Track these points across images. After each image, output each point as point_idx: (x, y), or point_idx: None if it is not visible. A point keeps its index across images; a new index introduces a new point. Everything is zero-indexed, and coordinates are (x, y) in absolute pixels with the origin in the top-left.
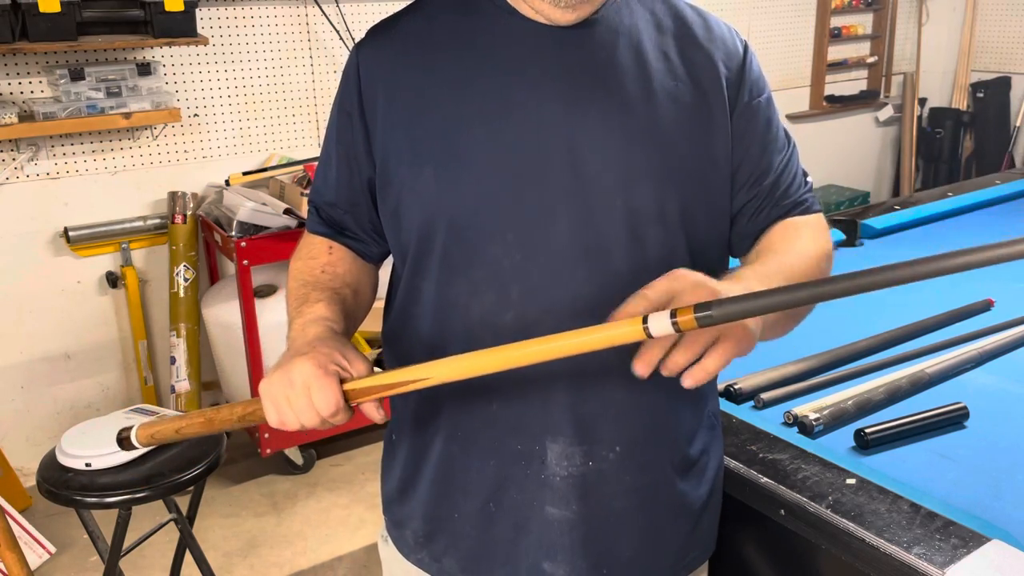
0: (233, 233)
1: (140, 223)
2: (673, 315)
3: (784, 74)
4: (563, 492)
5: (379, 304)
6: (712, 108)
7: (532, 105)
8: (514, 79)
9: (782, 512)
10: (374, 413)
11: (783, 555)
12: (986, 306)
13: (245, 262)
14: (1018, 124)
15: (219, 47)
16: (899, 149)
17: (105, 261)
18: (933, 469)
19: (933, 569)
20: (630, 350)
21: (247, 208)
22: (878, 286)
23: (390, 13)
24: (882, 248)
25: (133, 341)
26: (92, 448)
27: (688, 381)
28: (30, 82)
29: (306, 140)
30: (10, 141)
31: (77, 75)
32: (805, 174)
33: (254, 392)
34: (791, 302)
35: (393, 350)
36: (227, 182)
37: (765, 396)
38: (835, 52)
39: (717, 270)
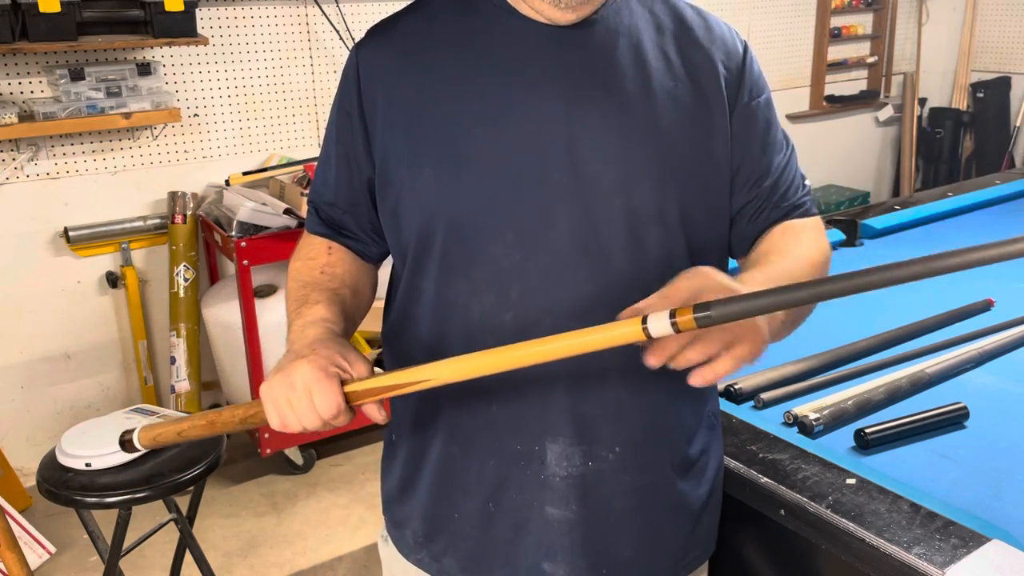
0: (233, 233)
1: (140, 223)
2: (672, 315)
3: (784, 74)
4: (563, 492)
5: (379, 304)
6: (712, 108)
7: (532, 105)
8: (514, 79)
9: (782, 512)
10: (376, 414)
11: (783, 555)
12: (986, 306)
13: (245, 262)
14: (1018, 124)
15: (219, 47)
16: (899, 149)
17: (105, 261)
18: (933, 469)
19: (933, 569)
20: (629, 351)
21: (247, 208)
22: (877, 285)
23: (390, 13)
24: (882, 248)
25: (133, 341)
26: (92, 448)
27: (696, 379)
28: (30, 82)
29: (306, 140)
30: (10, 141)
31: (77, 75)
32: (803, 177)
33: (254, 392)
34: (790, 302)
35: (393, 350)
36: (227, 182)
37: (765, 396)
38: (835, 52)
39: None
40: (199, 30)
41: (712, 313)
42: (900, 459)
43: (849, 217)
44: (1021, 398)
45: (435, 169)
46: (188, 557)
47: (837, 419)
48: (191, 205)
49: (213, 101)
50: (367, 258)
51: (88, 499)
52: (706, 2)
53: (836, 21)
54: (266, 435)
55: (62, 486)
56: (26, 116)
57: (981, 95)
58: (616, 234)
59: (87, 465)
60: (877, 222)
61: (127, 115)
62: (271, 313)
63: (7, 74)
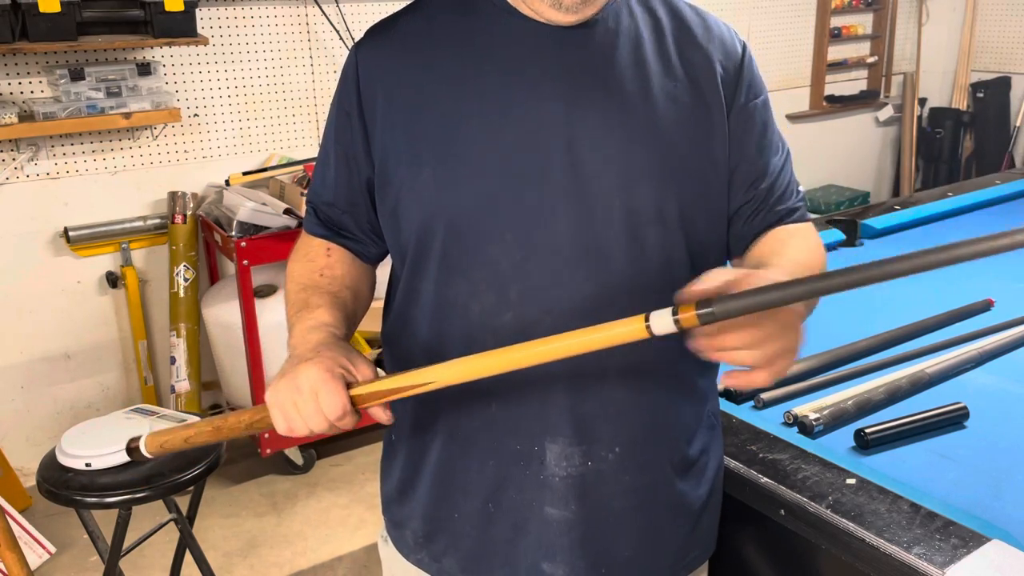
0: (233, 233)
1: (140, 223)
2: (675, 312)
3: (784, 74)
4: (562, 492)
5: (378, 304)
6: (710, 108)
7: (531, 105)
8: (513, 79)
9: (782, 512)
10: (381, 415)
11: (783, 555)
12: (986, 306)
13: (245, 262)
14: (1018, 124)
15: (219, 47)
16: (899, 149)
17: (105, 261)
18: (933, 469)
19: (933, 569)
20: (629, 350)
21: (247, 208)
22: (875, 280)
23: (390, 13)
24: (882, 248)
25: (133, 341)
26: (92, 448)
27: (730, 381)
28: (30, 82)
29: (306, 140)
30: (10, 141)
31: (77, 75)
32: (797, 183)
33: (254, 392)
34: (791, 297)
35: (392, 351)
36: (227, 182)
37: (765, 396)
38: (835, 52)
39: None
40: (199, 30)
41: (715, 309)
42: (900, 459)
43: (849, 217)
44: (1021, 398)
45: (435, 169)
46: (188, 557)
47: (837, 419)
48: (191, 205)
49: (213, 101)
50: (366, 259)
51: (88, 499)
52: (706, 2)
53: (836, 21)
54: (266, 435)
55: (62, 486)
56: (26, 116)
57: (981, 95)
58: (616, 234)
59: (87, 465)
60: (877, 222)
61: (127, 115)
62: (271, 313)
63: (7, 74)
